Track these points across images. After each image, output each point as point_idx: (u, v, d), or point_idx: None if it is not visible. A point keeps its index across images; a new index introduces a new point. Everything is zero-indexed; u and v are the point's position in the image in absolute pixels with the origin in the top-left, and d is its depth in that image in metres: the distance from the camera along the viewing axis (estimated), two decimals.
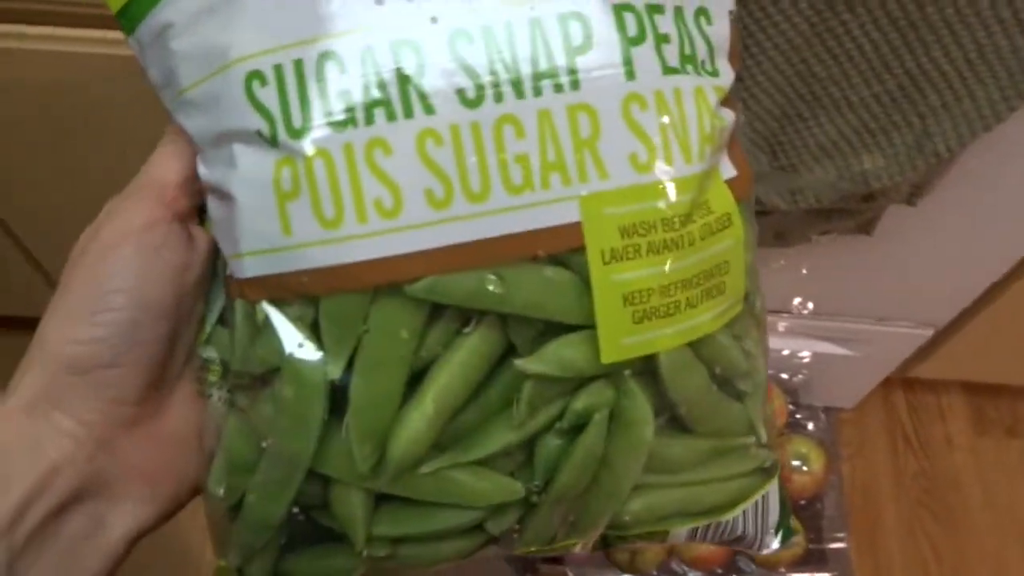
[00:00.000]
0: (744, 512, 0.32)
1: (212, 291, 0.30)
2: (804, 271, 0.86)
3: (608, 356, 0.26)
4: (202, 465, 0.29)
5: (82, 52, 0.61)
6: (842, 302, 0.90)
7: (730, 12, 0.30)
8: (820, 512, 0.99)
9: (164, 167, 0.29)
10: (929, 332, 0.94)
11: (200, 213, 0.29)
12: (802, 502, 0.96)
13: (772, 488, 0.33)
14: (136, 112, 0.56)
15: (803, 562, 0.94)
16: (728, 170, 0.30)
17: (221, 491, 0.28)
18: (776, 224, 0.71)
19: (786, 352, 0.98)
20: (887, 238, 0.76)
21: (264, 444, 0.27)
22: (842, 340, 0.97)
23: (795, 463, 0.94)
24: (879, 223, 0.74)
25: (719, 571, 0.94)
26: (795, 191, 0.63)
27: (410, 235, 0.25)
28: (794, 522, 0.36)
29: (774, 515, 0.34)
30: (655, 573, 0.93)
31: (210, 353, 0.29)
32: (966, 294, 0.88)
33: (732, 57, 0.31)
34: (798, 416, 1.00)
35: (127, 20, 0.28)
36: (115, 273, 0.27)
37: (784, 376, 1.00)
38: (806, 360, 0.99)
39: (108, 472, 0.28)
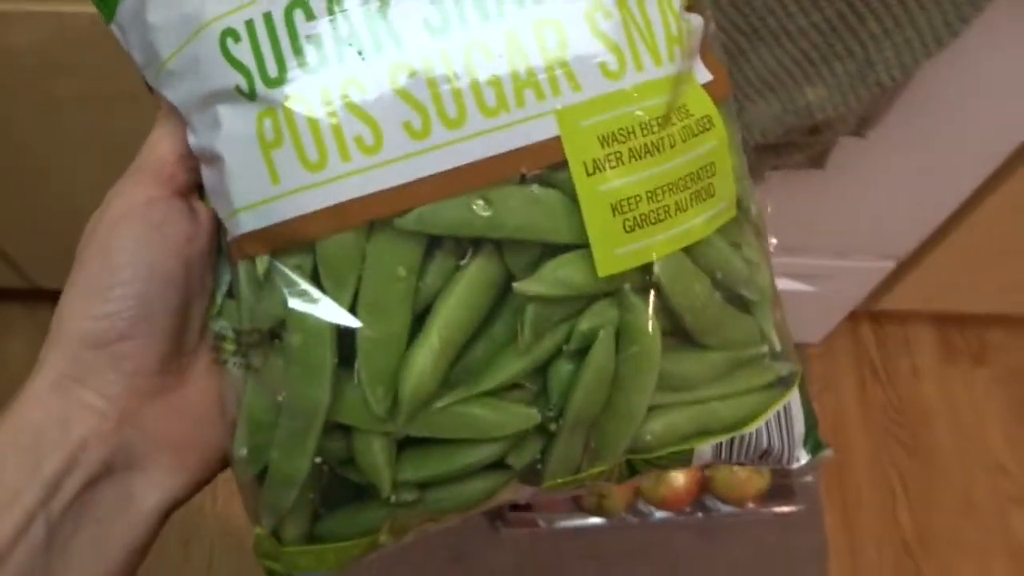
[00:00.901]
0: (767, 425, 0.32)
1: (219, 266, 0.31)
2: (768, 209, 0.85)
3: (604, 269, 0.27)
4: (227, 434, 0.30)
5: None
6: (802, 238, 0.89)
7: None
8: None
9: (160, 146, 0.30)
10: (891, 264, 0.94)
11: (200, 189, 0.30)
12: None
13: (793, 398, 0.33)
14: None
15: (770, 496, 0.95)
16: (703, 74, 0.30)
17: (245, 452, 0.29)
18: None
19: None
20: (841, 172, 0.76)
21: (280, 398, 0.28)
22: (805, 276, 0.96)
23: None
24: (831, 156, 0.73)
25: (687, 510, 0.95)
26: (740, 128, 0.62)
27: (393, 168, 0.25)
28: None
29: (799, 426, 0.33)
30: (624, 515, 0.94)
31: (222, 324, 0.30)
32: (925, 224, 0.88)
33: None
34: None
35: (106, 6, 0.29)
36: (122, 248, 0.28)
37: None
38: None
39: (135, 444, 0.29)
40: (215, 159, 0.27)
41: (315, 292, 0.26)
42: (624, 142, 0.26)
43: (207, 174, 0.28)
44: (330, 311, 0.26)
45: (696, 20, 0.30)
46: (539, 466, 0.29)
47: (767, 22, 0.55)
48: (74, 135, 0.75)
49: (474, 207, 0.26)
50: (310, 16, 0.25)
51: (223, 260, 0.30)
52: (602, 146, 0.26)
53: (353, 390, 0.27)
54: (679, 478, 0.91)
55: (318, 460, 0.28)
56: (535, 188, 0.26)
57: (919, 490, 1.10)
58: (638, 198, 0.27)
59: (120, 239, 0.29)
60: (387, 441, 0.28)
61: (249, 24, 0.26)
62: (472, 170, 0.26)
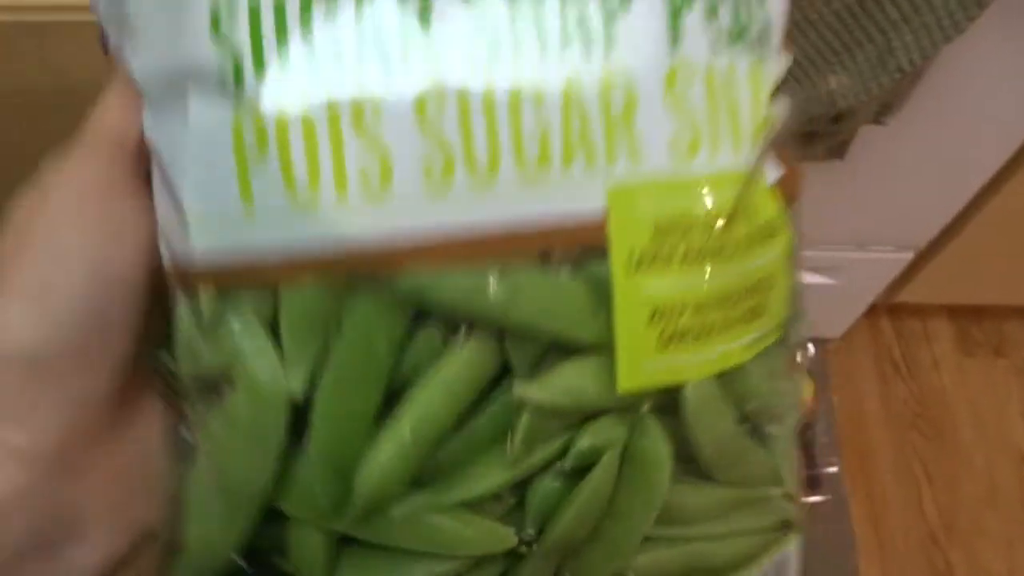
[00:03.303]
0: (763, 571, 0.28)
1: None
2: None
3: (627, 382, 0.22)
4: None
5: None
6: (821, 231, 0.91)
7: None
8: (812, 439, 1.01)
9: (119, 114, 0.23)
10: (910, 255, 0.95)
11: None
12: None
13: (794, 545, 0.29)
14: None
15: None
16: (775, 170, 0.25)
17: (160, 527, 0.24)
18: None
19: None
20: (860, 161, 0.77)
21: (210, 471, 0.23)
22: (824, 269, 0.98)
23: None
24: (851, 147, 0.75)
25: None
26: None
27: (400, 216, 0.20)
28: None
29: (792, 573, 0.29)
30: None
31: (168, 360, 0.24)
32: (943, 213, 0.89)
33: (786, 39, 0.26)
34: None
35: None
36: (74, 245, 0.22)
37: None
38: None
39: (72, 504, 0.22)
40: (173, 150, 0.22)
41: (272, 351, 0.21)
42: (682, 237, 0.22)
43: (157, 168, 0.23)
44: (289, 376, 0.21)
45: (779, 108, 0.25)
46: None
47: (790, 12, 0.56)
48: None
49: (487, 285, 0.21)
50: (330, 10, 0.20)
51: None
52: (655, 237, 0.22)
53: (300, 473, 0.22)
54: None
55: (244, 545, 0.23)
56: (561, 274, 0.22)
57: (943, 481, 1.11)
58: (684, 307, 0.22)
59: (71, 232, 0.22)
60: (329, 538, 0.23)
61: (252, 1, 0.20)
62: (494, 237, 0.21)
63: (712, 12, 0.22)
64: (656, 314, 0.22)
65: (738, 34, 0.23)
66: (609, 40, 0.21)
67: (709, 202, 0.22)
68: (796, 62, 0.60)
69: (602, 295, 0.22)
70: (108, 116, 0.23)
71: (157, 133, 0.22)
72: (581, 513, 0.23)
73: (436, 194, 0.20)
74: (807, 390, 0.97)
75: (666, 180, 0.22)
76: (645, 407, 0.23)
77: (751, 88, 0.23)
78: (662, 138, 0.22)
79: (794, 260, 0.26)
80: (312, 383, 0.22)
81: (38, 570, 0.22)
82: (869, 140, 0.74)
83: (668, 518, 0.25)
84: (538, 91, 0.21)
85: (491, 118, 0.20)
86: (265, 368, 0.21)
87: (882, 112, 0.68)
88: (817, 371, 1.03)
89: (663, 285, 0.22)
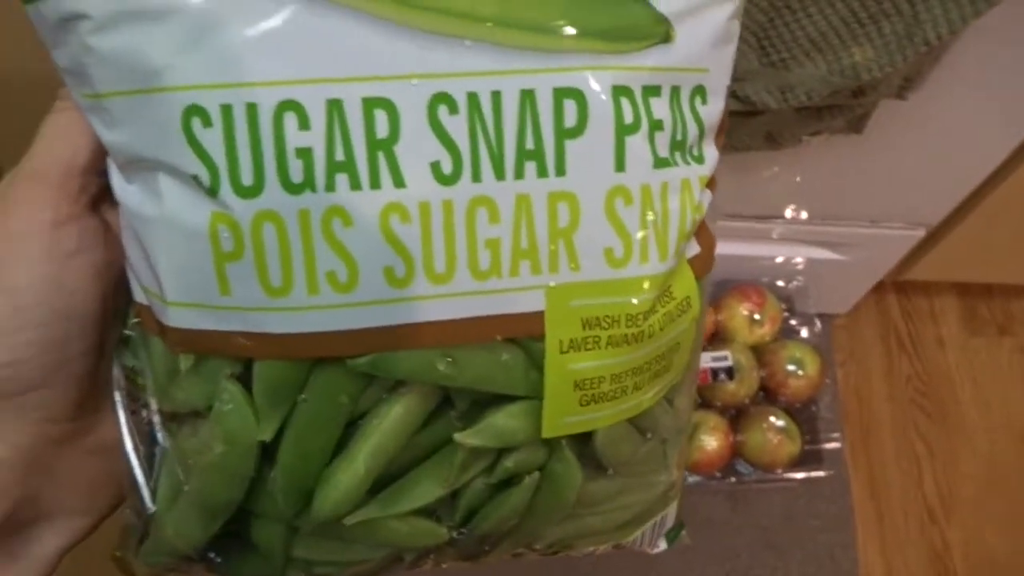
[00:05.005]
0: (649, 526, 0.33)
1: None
2: (798, 178, 0.86)
3: (550, 432, 0.26)
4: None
5: None
6: (835, 206, 0.90)
7: (727, 87, 0.28)
8: (815, 414, 1.01)
9: (65, 143, 0.24)
10: (921, 232, 0.95)
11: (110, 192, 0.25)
12: (797, 405, 0.98)
13: (673, 506, 0.33)
14: None
15: (799, 462, 0.96)
16: (693, 248, 0.28)
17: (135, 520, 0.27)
18: (767, 124, 0.70)
19: (780, 259, 0.99)
20: (877, 137, 0.76)
21: (185, 488, 0.26)
22: (835, 245, 0.97)
23: (790, 367, 0.95)
24: (869, 121, 0.74)
25: (718, 475, 0.96)
26: (785, 88, 0.62)
27: (363, 312, 0.23)
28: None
29: (668, 525, 0.34)
30: None
31: (129, 361, 0.27)
32: (957, 191, 0.88)
33: (718, 135, 0.29)
34: (792, 323, 1.01)
35: None
36: (28, 285, 0.23)
37: (780, 283, 1.01)
38: (800, 267, 1.00)
39: (42, 493, 0.26)
40: (147, 226, 0.23)
41: (246, 408, 0.24)
42: (606, 329, 0.25)
43: (127, 225, 0.24)
44: (261, 428, 0.24)
45: (707, 199, 0.28)
46: (429, 557, 0.29)
47: None
48: None
49: (437, 362, 0.24)
50: (304, 124, 0.21)
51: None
52: (583, 328, 0.25)
53: (265, 488, 0.26)
54: (711, 442, 0.92)
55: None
56: (503, 352, 0.25)
57: (944, 459, 1.11)
58: (602, 379, 0.25)
59: (23, 273, 0.23)
60: (287, 527, 0.27)
61: (226, 110, 0.21)
62: (446, 328, 0.23)
63: (654, 133, 0.25)
64: (579, 384, 0.25)
65: (675, 147, 0.26)
66: (560, 161, 0.23)
67: (634, 301, 0.25)
68: (822, 32, 0.59)
69: (534, 361, 0.25)
70: (52, 148, 0.24)
71: (126, 195, 0.24)
72: (504, 517, 0.27)
73: (397, 295, 0.23)
74: (812, 365, 0.97)
75: (598, 283, 0.25)
76: (564, 443, 0.27)
77: (681, 200, 0.26)
78: (598, 250, 0.24)
79: (701, 322, 0.29)
80: (280, 429, 0.25)
81: (10, 543, 0.26)
82: (888, 115, 0.73)
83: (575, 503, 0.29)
84: (493, 209, 0.23)
85: (449, 231, 0.23)
86: (240, 422, 0.24)
87: (905, 87, 0.67)
88: (823, 346, 1.03)
89: (587, 365, 0.25)
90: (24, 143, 0.25)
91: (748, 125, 0.70)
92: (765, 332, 0.97)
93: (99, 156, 0.24)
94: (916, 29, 0.57)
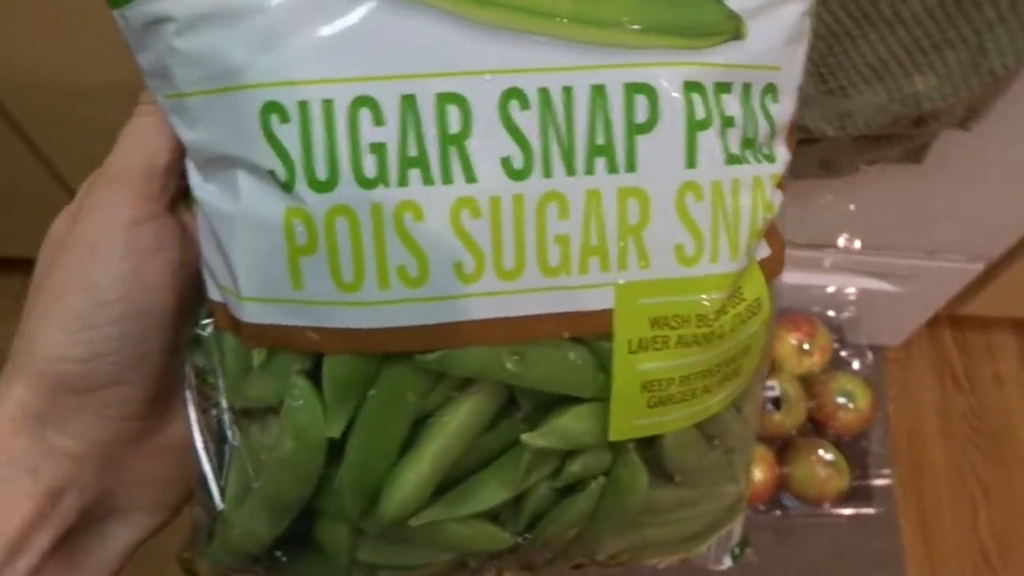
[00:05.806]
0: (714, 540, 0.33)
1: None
2: (852, 207, 0.84)
3: (617, 435, 0.25)
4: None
5: None
6: (890, 236, 0.88)
7: (798, 87, 0.28)
8: (865, 449, 0.99)
9: (147, 147, 0.25)
10: (980, 266, 0.92)
11: (187, 192, 0.26)
12: (847, 439, 0.96)
13: (739, 520, 0.33)
14: None
15: (848, 498, 0.94)
16: (763, 250, 0.28)
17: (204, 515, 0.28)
18: (823, 152, 0.69)
19: (831, 289, 0.97)
20: (937, 167, 0.74)
21: (255, 485, 0.26)
22: (890, 276, 0.95)
23: (840, 400, 0.93)
24: (929, 151, 0.72)
25: (762, 507, 0.94)
26: (843, 116, 0.61)
27: (433, 307, 0.23)
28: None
29: (735, 540, 0.34)
30: None
31: (200, 360, 0.27)
32: (1019, 225, 0.86)
33: (789, 135, 0.29)
34: (843, 354, 0.99)
35: None
36: (108, 282, 0.24)
37: (831, 313, 0.99)
38: (852, 297, 0.98)
39: (116, 490, 0.27)
40: (224, 223, 0.24)
41: (316, 404, 0.24)
42: (676, 328, 0.25)
43: (205, 222, 0.25)
44: (329, 424, 0.25)
45: (779, 199, 0.28)
46: (493, 563, 0.29)
47: (879, 7, 0.54)
48: None
49: (505, 359, 0.24)
50: (378, 120, 0.22)
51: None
52: (652, 327, 0.24)
53: (333, 487, 0.26)
54: (756, 473, 0.90)
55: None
56: (570, 351, 0.25)
57: (1001, 500, 1.08)
58: (671, 381, 0.25)
59: (104, 269, 0.24)
60: (352, 529, 0.27)
61: (303, 107, 0.22)
62: (514, 325, 0.23)
63: (725, 130, 0.25)
64: (647, 385, 0.25)
65: (747, 144, 0.26)
66: (631, 157, 0.23)
67: (704, 300, 0.25)
68: (882, 60, 0.58)
69: (602, 362, 0.25)
70: (134, 151, 0.25)
71: (204, 193, 0.25)
72: (568, 522, 0.27)
73: (466, 290, 0.23)
74: (863, 398, 0.94)
75: (668, 281, 0.24)
76: (631, 447, 0.26)
77: (753, 198, 0.26)
78: (668, 247, 0.24)
79: (771, 325, 0.29)
80: (348, 426, 0.25)
81: (85, 538, 0.26)
82: (949, 145, 0.72)
83: (641, 511, 0.29)
84: (564, 205, 0.23)
85: (519, 227, 0.23)
86: (309, 418, 0.24)
87: (968, 116, 0.65)
88: (874, 379, 1.00)
89: (656, 365, 0.25)
90: (88, 153, 0.26)
91: (803, 152, 0.69)
92: (814, 362, 0.95)
93: (178, 158, 0.25)
94: (981, 59, 0.56)
